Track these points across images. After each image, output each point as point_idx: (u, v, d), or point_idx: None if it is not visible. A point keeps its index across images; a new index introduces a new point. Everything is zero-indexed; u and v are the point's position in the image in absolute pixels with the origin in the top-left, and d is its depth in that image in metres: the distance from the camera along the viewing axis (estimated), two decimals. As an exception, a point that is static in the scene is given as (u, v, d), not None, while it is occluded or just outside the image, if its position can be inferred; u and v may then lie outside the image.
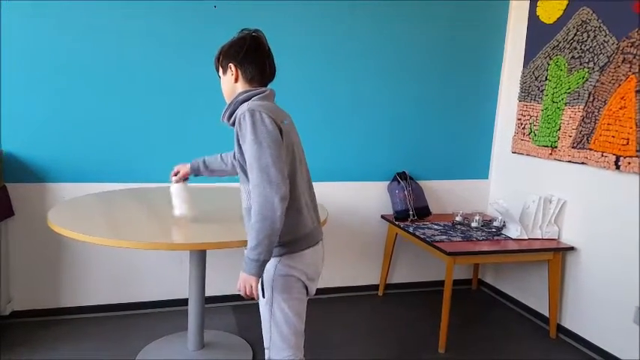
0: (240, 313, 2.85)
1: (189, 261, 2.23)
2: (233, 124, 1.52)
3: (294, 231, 1.49)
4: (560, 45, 2.75)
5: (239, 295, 2.91)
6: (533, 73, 2.95)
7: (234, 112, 1.52)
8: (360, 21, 2.91)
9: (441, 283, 3.31)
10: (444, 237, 2.70)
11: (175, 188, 1.99)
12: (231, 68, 1.54)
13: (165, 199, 2.33)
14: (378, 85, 3.01)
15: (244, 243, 1.76)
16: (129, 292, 2.78)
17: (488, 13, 3.14)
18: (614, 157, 2.40)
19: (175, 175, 2.00)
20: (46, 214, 2.03)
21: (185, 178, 2.01)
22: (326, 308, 2.97)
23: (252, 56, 1.53)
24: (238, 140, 1.46)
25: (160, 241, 1.85)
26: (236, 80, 1.55)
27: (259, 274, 1.41)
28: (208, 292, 2.83)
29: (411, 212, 2.99)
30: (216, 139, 2.72)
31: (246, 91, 1.52)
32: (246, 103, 1.47)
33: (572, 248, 2.68)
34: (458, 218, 2.95)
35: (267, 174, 1.37)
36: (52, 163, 2.56)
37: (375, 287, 3.24)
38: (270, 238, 1.38)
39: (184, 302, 2.80)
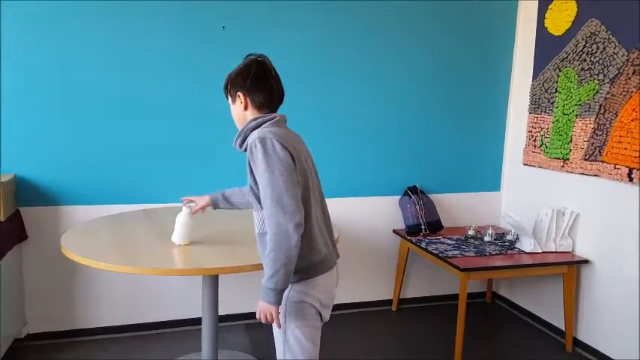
0: (253, 331, 2.85)
1: (202, 283, 2.24)
2: (245, 149, 1.53)
3: (307, 257, 1.49)
4: (570, 57, 2.74)
5: (252, 313, 2.93)
6: (542, 85, 2.94)
7: (245, 139, 1.54)
8: (368, 37, 2.91)
9: (456, 296, 3.29)
10: (456, 252, 2.68)
11: (184, 217, 1.97)
12: (239, 97, 1.55)
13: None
14: (386, 99, 3.01)
15: (257, 267, 1.77)
16: (143, 312, 2.79)
17: (496, 24, 3.14)
18: (627, 169, 2.38)
19: (188, 202, 2.01)
20: (60, 236, 2.07)
21: (203, 210, 2.03)
22: (339, 325, 2.96)
23: (259, 83, 1.54)
24: (250, 168, 1.47)
25: (172, 267, 1.86)
26: (245, 108, 1.56)
27: (278, 302, 1.42)
28: (221, 311, 2.83)
29: (423, 227, 2.98)
30: (227, 158, 2.74)
31: (256, 118, 1.53)
32: (257, 130, 1.49)
33: (586, 261, 2.65)
34: (470, 232, 2.93)
35: (280, 202, 1.38)
36: (64, 186, 2.59)
37: (389, 302, 3.22)
38: (287, 266, 1.38)
39: (198, 321, 2.80)
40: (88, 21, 2.49)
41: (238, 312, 2.94)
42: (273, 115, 1.54)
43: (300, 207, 1.40)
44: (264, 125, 1.51)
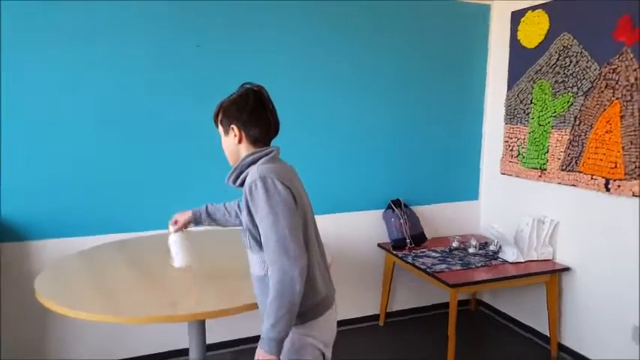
0: (240, 358, 2.77)
1: (189, 327, 2.13)
2: (240, 185, 1.47)
3: (309, 299, 1.45)
4: (543, 69, 2.80)
5: (239, 340, 2.86)
6: (517, 96, 2.99)
7: (239, 175, 1.47)
8: (347, 55, 2.88)
9: (442, 305, 3.33)
10: (443, 266, 2.70)
11: (175, 238, 1.85)
12: (233, 129, 1.47)
13: (156, 250, 2.26)
14: (364, 116, 2.99)
15: (249, 307, 1.70)
16: (124, 346, 2.66)
17: (469, 37, 3.17)
18: (604, 179, 2.45)
19: (175, 223, 1.85)
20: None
21: (185, 227, 1.87)
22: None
23: (256, 116, 1.46)
24: (248, 207, 1.40)
25: (156, 314, 1.72)
26: (239, 142, 1.48)
27: (279, 352, 1.36)
28: (208, 340, 2.74)
29: (408, 240, 2.98)
30: (205, 180, 2.65)
31: (252, 154, 1.46)
32: (255, 167, 1.42)
33: (567, 269, 2.72)
34: (454, 244, 2.96)
35: (284, 247, 1.33)
36: (30, 218, 2.41)
37: (376, 317, 3.21)
38: (290, 313, 1.34)
39: (185, 352, 2.70)
40: (55, 45, 2.34)
41: (225, 339, 2.85)
42: (269, 149, 1.48)
43: (304, 250, 1.36)
44: (260, 161, 1.44)
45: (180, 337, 2.71)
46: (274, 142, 1.55)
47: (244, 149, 1.49)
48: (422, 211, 3.21)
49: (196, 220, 1.86)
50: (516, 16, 2.97)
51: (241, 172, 1.47)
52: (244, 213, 1.42)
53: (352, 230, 3.08)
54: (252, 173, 1.40)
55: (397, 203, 3.08)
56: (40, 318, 2.49)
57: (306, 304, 1.44)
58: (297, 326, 1.45)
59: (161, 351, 2.73)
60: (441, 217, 3.30)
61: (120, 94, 2.49)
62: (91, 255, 2.27)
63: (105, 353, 2.63)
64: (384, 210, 3.11)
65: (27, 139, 2.36)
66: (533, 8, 2.84)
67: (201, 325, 2.09)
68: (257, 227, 1.40)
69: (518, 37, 2.95)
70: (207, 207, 1.87)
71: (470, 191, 3.36)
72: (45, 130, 2.39)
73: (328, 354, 1.56)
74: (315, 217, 1.58)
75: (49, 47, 2.34)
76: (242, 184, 1.46)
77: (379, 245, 3.11)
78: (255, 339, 3.03)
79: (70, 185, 2.46)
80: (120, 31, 2.44)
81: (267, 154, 1.46)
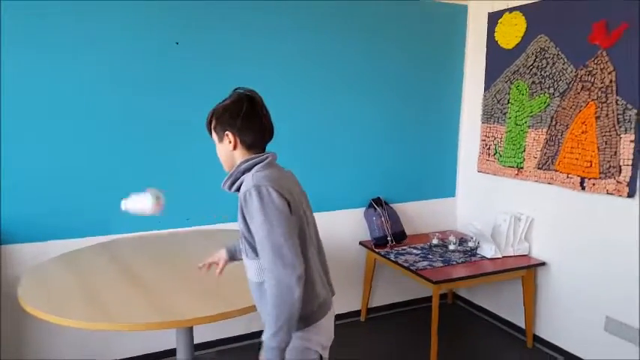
0: (225, 358, 2.74)
1: (176, 333, 2.08)
2: (237, 190, 1.45)
3: (308, 305, 1.44)
4: (520, 70, 2.87)
5: (224, 339, 2.82)
6: (494, 96, 3.07)
7: (235, 181, 1.46)
8: (324, 55, 2.86)
9: (421, 300, 3.41)
10: (425, 263, 2.75)
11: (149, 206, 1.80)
12: (228, 136, 1.45)
13: (138, 254, 2.21)
14: (344, 115, 2.99)
15: (241, 311, 1.70)
16: (110, 348, 2.57)
17: (446, 38, 3.21)
18: (579, 178, 2.55)
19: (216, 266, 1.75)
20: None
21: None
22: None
23: (250, 122, 1.44)
24: (243, 214, 1.39)
25: (145, 322, 1.68)
26: (234, 148, 1.46)
27: (282, 358, 1.35)
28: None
29: (390, 238, 3.02)
30: (188, 183, 2.59)
31: (247, 160, 1.44)
32: (250, 175, 1.40)
33: (543, 264, 2.83)
34: (434, 241, 3.02)
35: (280, 256, 1.31)
36: (11, 222, 2.28)
37: (357, 313, 3.24)
38: (290, 322, 1.33)
39: (172, 352, 2.64)
40: (52, 47, 2.24)
41: (210, 339, 2.80)
42: (264, 156, 1.46)
43: (300, 258, 1.35)
44: (255, 168, 1.42)
45: (167, 338, 2.65)
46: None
47: (239, 155, 1.47)
48: (402, 208, 3.25)
49: (232, 257, 1.76)
50: (493, 18, 3.03)
51: (237, 179, 1.45)
52: (239, 220, 1.42)
53: (334, 229, 3.08)
54: (247, 181, 1.39)
55: (378, 201, 3.11)
56: (23, 319, 2.37)
57: (307, 309, 1.43)
58: (298, 330, 1.44)
59: (148, 352, 2.66)
60: (419, 214, 3.35)
61: (108, 95, 2.40)
62: (73, 260, 2.18)
63: (91, 354, 2.54)
64: (365, 208, 3.13)
65: (3, 141, 2.24)
66: (510, 10, 2.91)
67: (189, 329, 2.05)
68: (252, 234, 1.39)
69: (496, 38, 3.02)
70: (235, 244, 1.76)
71: (447, 189, 3.43)
72: (21, 132, 2.26)
73: (325, 355, 1.57)
74: (314, 219, 1.59)
75: (47, 49, 2.25)
76: (238, 189, 1.44)
77: (361, 243, 3.13)
78: (240, 338, 3.03)
79: (49, 187, 2.35)
80: (111, 35, 2.36)
81: (262, 161, 1.44)
